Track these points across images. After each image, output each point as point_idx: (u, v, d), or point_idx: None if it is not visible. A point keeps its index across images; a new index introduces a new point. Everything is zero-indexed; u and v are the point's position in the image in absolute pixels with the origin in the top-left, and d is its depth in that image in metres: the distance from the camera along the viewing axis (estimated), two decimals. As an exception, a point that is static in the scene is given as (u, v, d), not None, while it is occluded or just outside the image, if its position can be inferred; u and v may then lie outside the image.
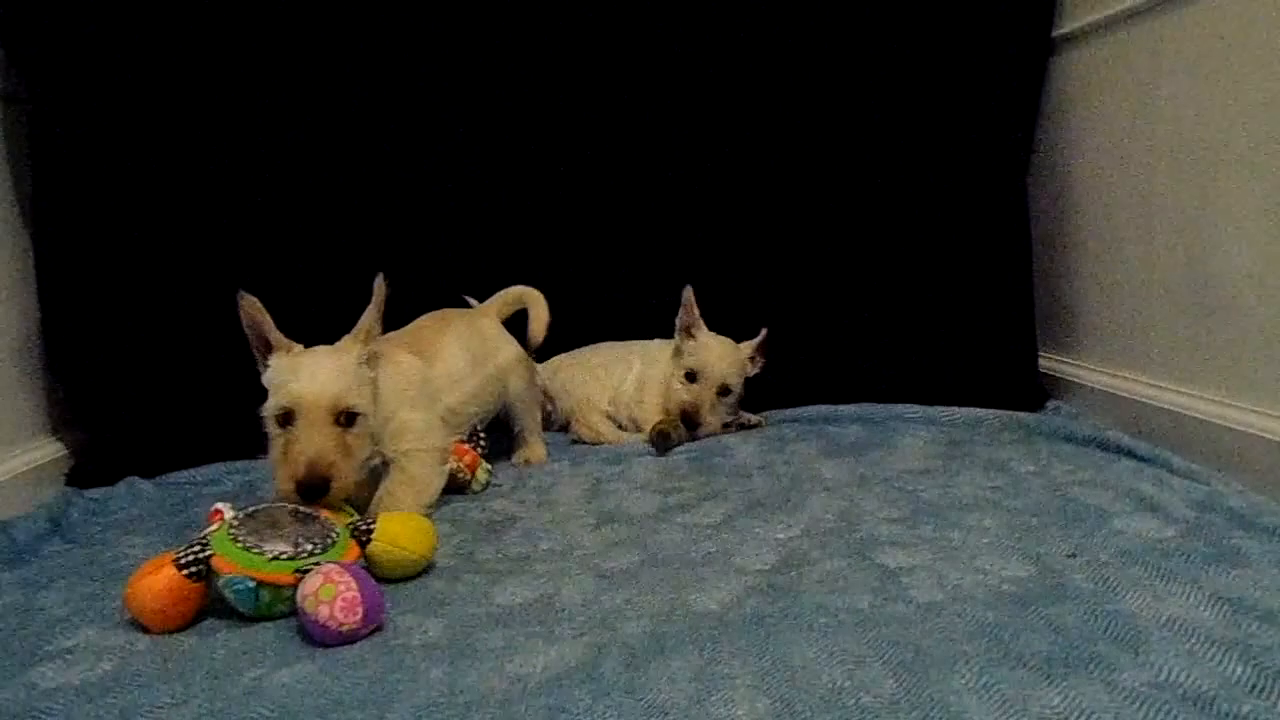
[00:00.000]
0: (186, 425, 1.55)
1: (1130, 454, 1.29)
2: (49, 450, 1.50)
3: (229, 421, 1.56)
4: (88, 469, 1.47)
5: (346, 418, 1.09)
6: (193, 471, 1.49)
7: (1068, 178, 1.62)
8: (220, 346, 1.56)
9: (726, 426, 1.60)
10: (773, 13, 1.63)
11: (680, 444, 1.52)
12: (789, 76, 1.65)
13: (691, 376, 1.58)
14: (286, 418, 1.08)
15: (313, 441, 1.05)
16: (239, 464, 1.52)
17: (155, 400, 1.54)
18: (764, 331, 1.63)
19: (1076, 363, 1.63)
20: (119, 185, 1.49)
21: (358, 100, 1.59)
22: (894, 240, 1.68)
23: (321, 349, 1.14)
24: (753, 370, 1.64)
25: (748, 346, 1.63)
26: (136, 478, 1.45)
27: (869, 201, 1.67)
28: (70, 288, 1.48)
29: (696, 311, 1.60)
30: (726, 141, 1.67)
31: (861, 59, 1.63)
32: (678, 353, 1.62)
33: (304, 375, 1.08)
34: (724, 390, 1.58)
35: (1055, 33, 1.60)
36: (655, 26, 1.64)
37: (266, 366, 1.14)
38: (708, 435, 1.56)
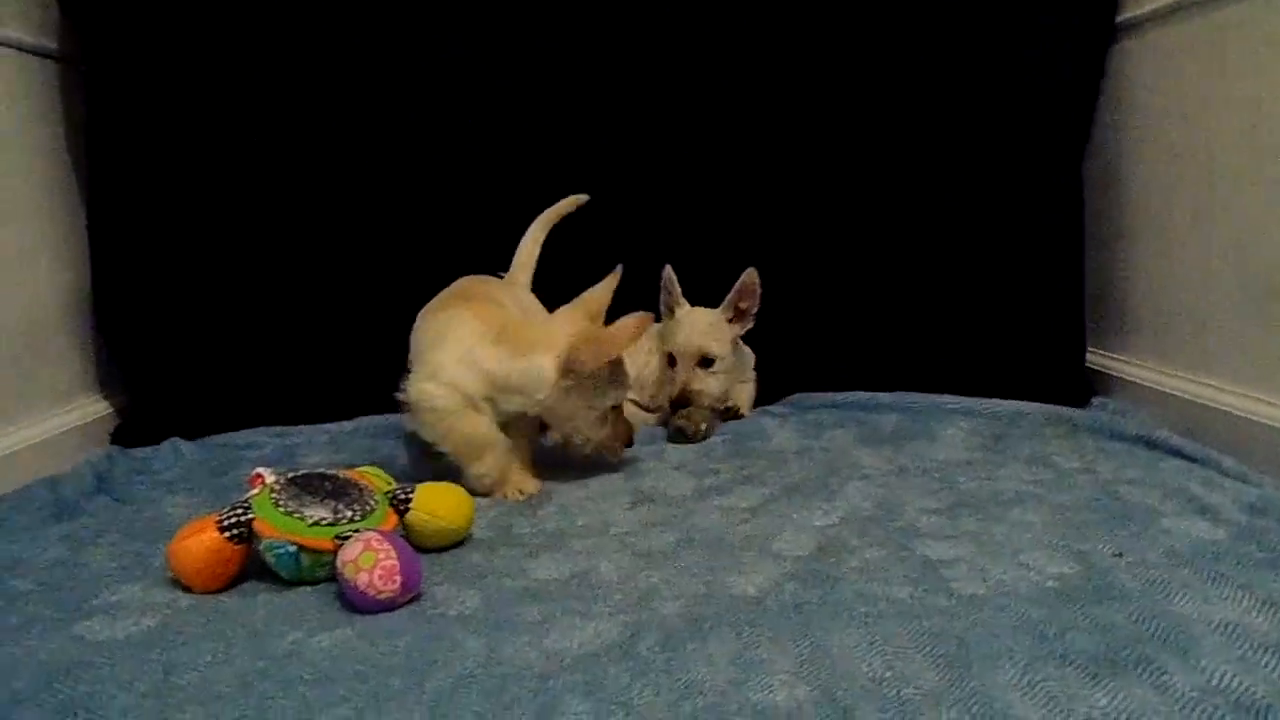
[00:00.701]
0: (230, 388, 1.57)
1: (1179, 454, 1.26)
2: (97, 408, 1.53)
3: (272, 386, 1.59)
4: (132, 428, 1.49)
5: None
6: (235, 434, 1.51)
7: (1122, 166, 1.58)
8: (266, 311, 1.58)
9: (715, 411, 1.53)
10: None
11: (708, 430, 1.47)
12: (838, 53, 1.61)
13: (672, 360, 1.53)
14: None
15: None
16: (279, 428, 1.54)
17: (201, 363, 1.56)
18: (743, 276, 1.52)
19: (1124, 358, 1.60)
20: (173, 148, 1.51)
21: (412, 61, 1.58)
22: (941, 225, 1.64)
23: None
24: (740, 329, 1.55)
25: (722, 308, 1.55)
26: (179, 438, 1.47)
27: (917, 184, 1.63)
28: (121, 249, 1.50)
29: (678, 290, 1.56)
30: (769, 120, 1.64)
31: (916, 37, 1.59)
32: (662, 338, 1.57)
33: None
34: (705, 361, 1.51)
35: (1118, 18, 1.55)
36: None
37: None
38: (726, 407, 1.54)
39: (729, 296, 1.54)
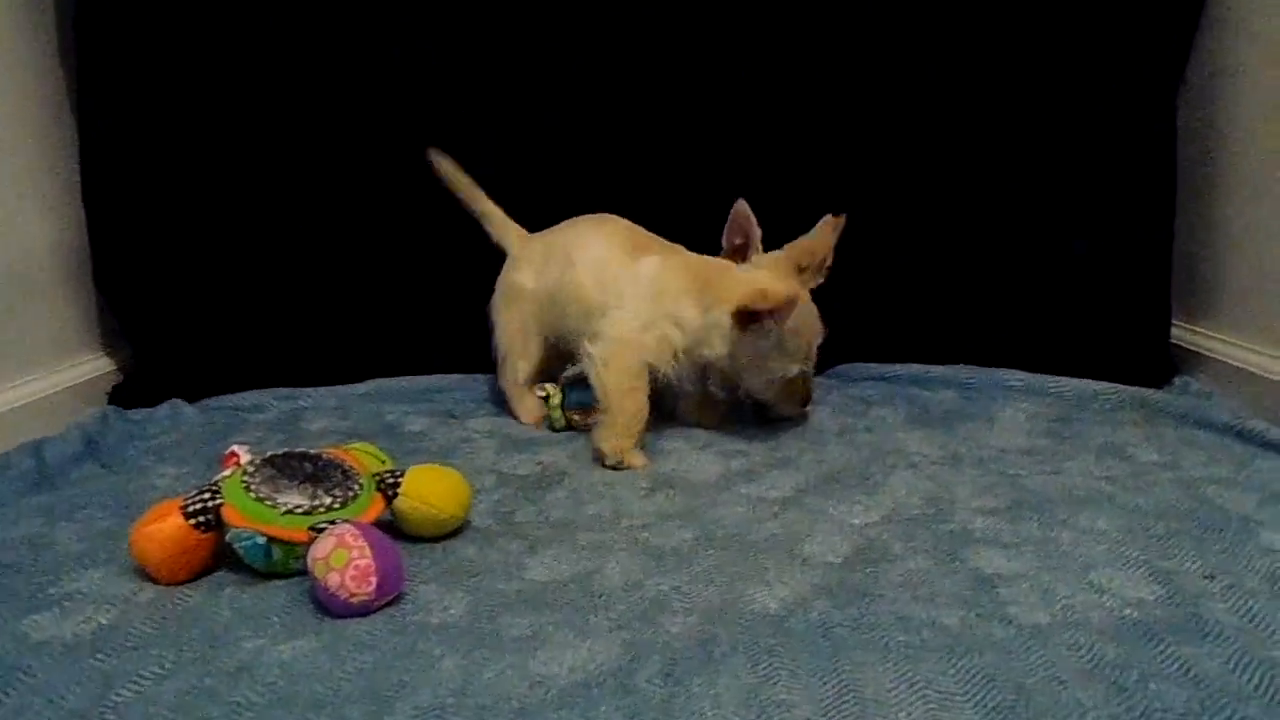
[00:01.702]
0: (237, 346, 1.49)
1: (1277, 449, 1.10)
2: (96, 365, 1.46)
3: (281, 343, 1.50)
4: (131, 388, 1.42)
5: None
6: (239, 396, 1.43)
7: (1220, 112, 1.38)
8: (276, 264, 1.48)
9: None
10: None
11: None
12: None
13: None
14: None
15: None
16: (287, 390, 1.45)
17: (203, 321, 1.47)
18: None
19: (1213, 333, 1.42)
20: (169, 95, 1.39)
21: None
22: (1009, 173, 1.44)
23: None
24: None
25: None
26: (180, 400, 1.39)
27: (984, 125, 1.43)
28: (118, 200, 1.40)
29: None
30: (831, 60, 1.44)
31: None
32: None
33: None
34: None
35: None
36: None
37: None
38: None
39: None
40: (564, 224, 1.33)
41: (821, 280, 1.24)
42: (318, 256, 1.49)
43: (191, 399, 1.40)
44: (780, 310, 1.10)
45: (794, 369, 1.19)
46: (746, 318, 1.12)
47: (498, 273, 1.35)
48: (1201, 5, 1.38)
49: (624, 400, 1.15)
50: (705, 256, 1.25)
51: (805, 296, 1.18)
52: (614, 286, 1.21)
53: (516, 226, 1.37)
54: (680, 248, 1.27)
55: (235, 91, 1.41)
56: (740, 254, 1.24)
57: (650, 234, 1.29)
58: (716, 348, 1.17)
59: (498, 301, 1.33)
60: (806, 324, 1.18)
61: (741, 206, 1.23)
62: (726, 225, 1.25)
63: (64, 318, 1.41)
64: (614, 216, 1.31)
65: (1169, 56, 1.39)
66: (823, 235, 1.21)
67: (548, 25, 1.44)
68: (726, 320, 1.14)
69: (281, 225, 1.48)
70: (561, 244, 1.28)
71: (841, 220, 1.23)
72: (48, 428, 1.26)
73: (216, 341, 1.48)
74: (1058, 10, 1.39)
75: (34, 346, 1.33)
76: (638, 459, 1.14)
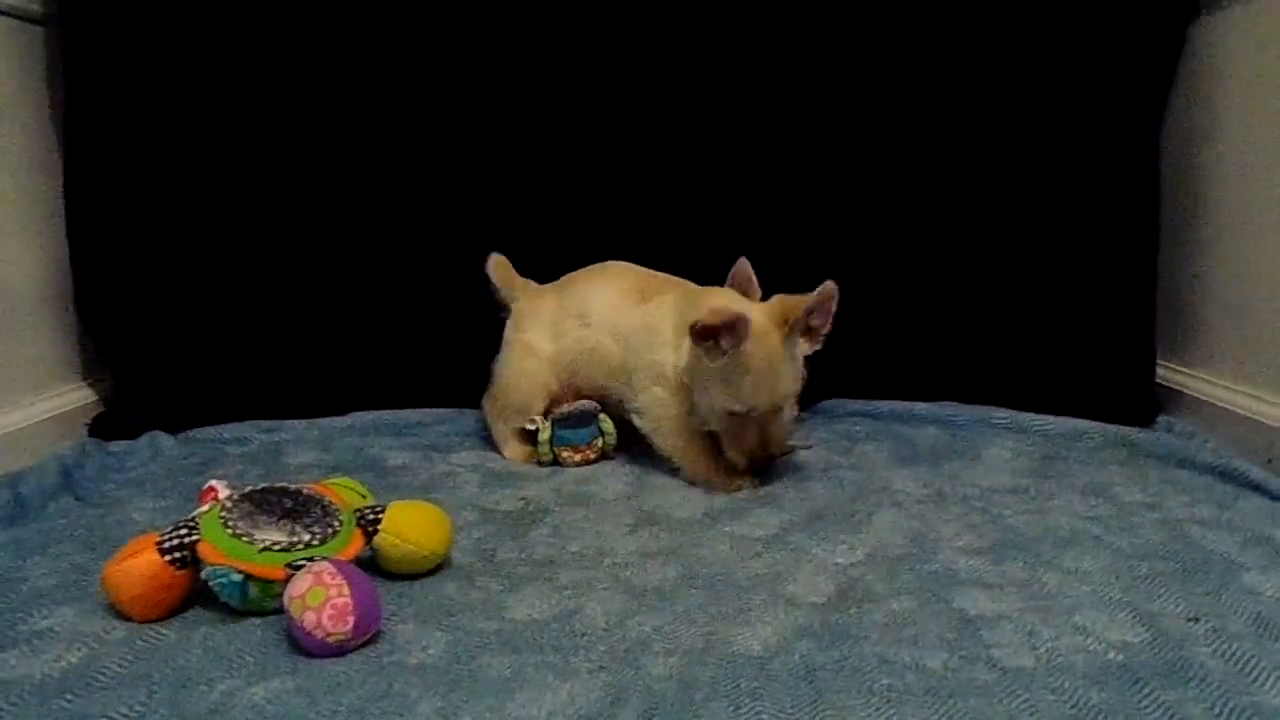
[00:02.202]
0: (216, 378, 1.48)
1: (1261, 489, 1.11)
2: (77, 396, 1.44)
3: (262, 376, 1.49)
4: (111, 420, 1.40)
5: None
6: (219, 428, 1.41)
7: (1200, 161, 1.40)
8: (257, 296, 1.47)
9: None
10: None
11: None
12: (884, 26, 1.44)
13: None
14: None
15: None
16: (268, 423, 1.44)
17: (185, 350, 1.46)
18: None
19: (1195, 373, 1.43)
20: (154, 128, 1.39)
21: (403, 39, 1.45)
22: (995, 213, 1.46)
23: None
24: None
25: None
26: (160, 432, 1.38)
27: (971, 168, 1.45)
28: (101, 230, 1.40)
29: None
30: (811, 93, 1.46)
31: (976, 12, 1.42)
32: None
33: None
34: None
35: (1201, -8, 1.37)
36: None
37: None
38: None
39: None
40: (570, 277, 1.33)
41: (818, 346, 1.17)
42: (301, 288, 1.49)
43: (173, 429, 1.39)
44: (728, 326, 1.06)
45: (738, 407, 1.11)
46: (700, 333, 1.09)
47: (482, 307, 1.35)
48: (1182, 42, 1.40)
49: (689, 453, 1.18)
50: (709, 288, 1.24)
51: (773, 339, 1.10)
52: (633, 341, 1.22)
53: (521, 278, 1.35)
54: (685, 282, 1.27)
55: (218, 125, 1.42)
56: None
57: (652, 272, 1.30)
58: (680, 361, 1.17)
59: (509, 358, 1.30)
60: (761, 366, 1.09)
61: (743, 266, 1.26)
62: (727, 281, 1.27)
63: (46, 347, 1.40)
64: (616, 264, 1.32)
65: (1150, 95, 1.41)
66: (811, 297, 1.11)
67: (543, 61, 1.45)
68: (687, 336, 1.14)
69: (264, 258, 1.47)
70: (575, 303, 1.28)
71: (834, 290, 1.13)
72: (27, 458, 1.24)
73: (198, 371, 1.46)
74: (1041, 54, 1.41)
75: (15, 376, 1.32)
76: (745, 482, 1.16)
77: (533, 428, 1.27)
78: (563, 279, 1.34)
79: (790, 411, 1.17)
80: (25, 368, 1.34)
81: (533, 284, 1.35)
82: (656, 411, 1.20)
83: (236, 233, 1.45)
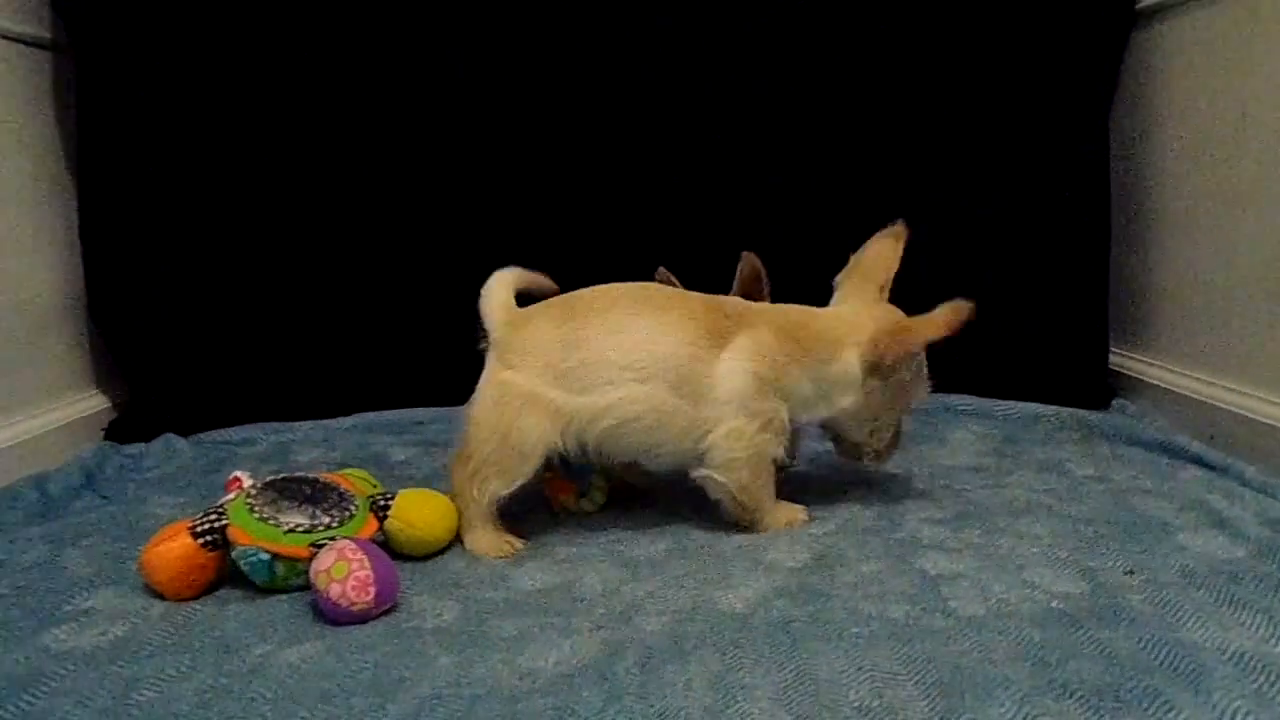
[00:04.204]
0: (226, 383, 1.55)
1: (1200, 462, 1.21)
2: (92, 403, 1.51)
3: (270, 380, 1.56)
4: (126, 424, 1.47)
5: None
6: (230, 431, 1.49)
7: (1146, 159, 1.51)
8: (264, 304, 1.55)
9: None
10: None
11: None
12: (846, 28, 1.53)
13: None
14: None
15: None
16: (276, 425, 1.52)
17: (196, 356, 1.54)
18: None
19: (1145, 359, 1.53)
20: (165, 136, 1.48)
21: (407, 50, 1.53)
22: (953, 211, 1.56)
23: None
24: None
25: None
26: (173, 435, 1.45)
27: (928, 168, 1.56)
28: (114, 239, 1.48)
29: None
30: (769, 92, 1.55)
31: (929, 19, 1.52)
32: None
33: None
34: None
35: (1139, 3, 1.48)
36: None
37: None
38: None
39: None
40: (583, 306, 1.03)
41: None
42: (307, 295, 1.57)
43: (184, 433, 1.47)
44: (918, 337, 1.02)
45: (925, 395, 1.12)
46: (910, 357, 1.04)
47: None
48: (1123, 47, 1.50)
49: (764, 501, 1.04)
50: (795, 306, 1.09)
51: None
52: (724, 395, 1.00)
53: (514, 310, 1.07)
54: (748, 303, 1.10)
55: (228, 134, 1.50)
56: None
57: (702, 298, 1.06)
58: (842, 401, 1.05)
59: (486, 404, 1.01)
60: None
61: (753, 261, 1.18)
62: (736, 279, 1.19)
63: (63, 357, 1.47)
64: (647, 292, 1.05)
65: (1097, 98, 1.52)
66: (890, 246, 1.10)
67: (540, 76, 1.54)
68: (855, 369, 1.03)
69: (271, 267, 1.55)
70: (609, 345, 0.99)
71: (904, 230, 1.11)
72: (49, 461, 1.31)
73: (209, 376, 1.54)
74: (999, 59, 1.52)
75: (35, 384, 1.39)
76: (799, 512, 1.08)
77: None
78: (567, 303, 1.04)
79: None
80: (44, 376, 1.42)
81: (516, 309, 1.05)
82: (733, 447, 1.00)
83: (244, 243, 1.53)
